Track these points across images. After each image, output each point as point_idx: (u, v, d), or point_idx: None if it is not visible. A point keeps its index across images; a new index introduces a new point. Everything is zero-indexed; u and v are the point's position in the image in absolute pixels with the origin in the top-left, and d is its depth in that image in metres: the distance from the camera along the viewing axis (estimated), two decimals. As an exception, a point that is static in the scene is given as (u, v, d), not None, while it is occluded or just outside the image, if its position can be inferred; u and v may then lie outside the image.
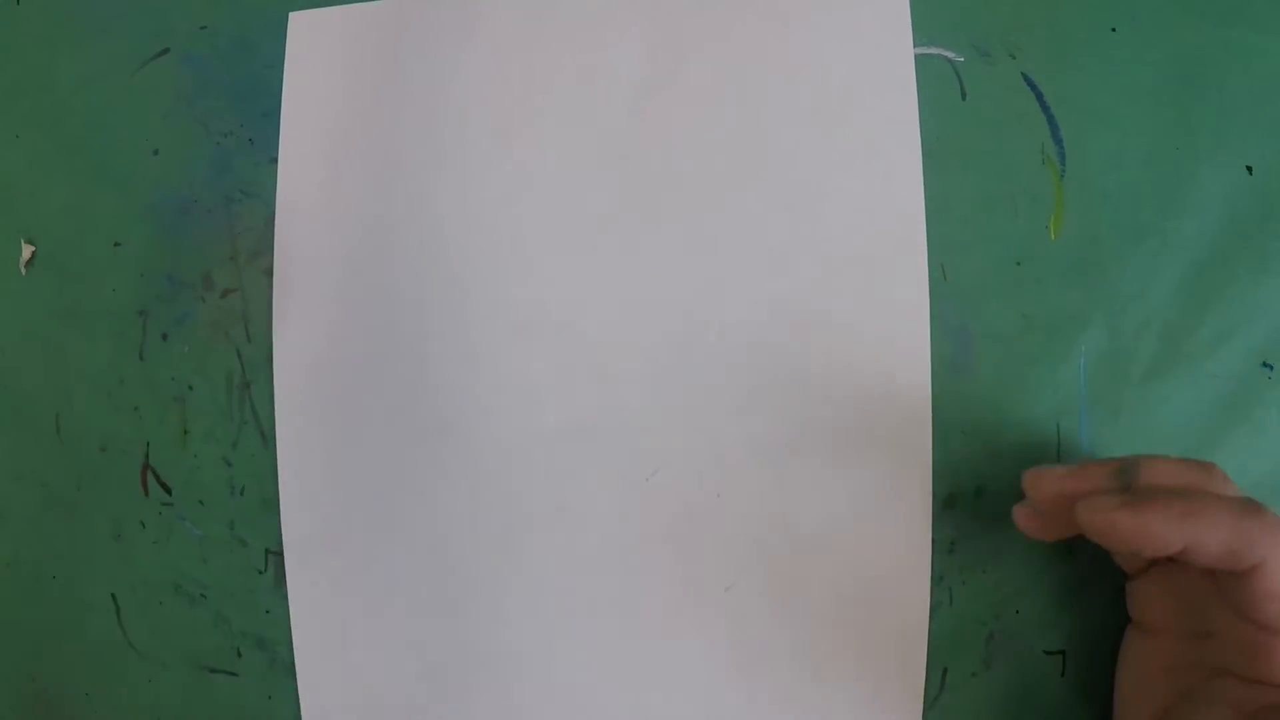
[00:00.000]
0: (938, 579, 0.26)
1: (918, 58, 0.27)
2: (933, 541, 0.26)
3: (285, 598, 0.29)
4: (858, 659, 0.26)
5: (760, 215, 0.27)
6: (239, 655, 0.29)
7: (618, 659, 0.27)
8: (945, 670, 0.26)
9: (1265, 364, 0.26)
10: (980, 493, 0.26)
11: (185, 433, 0.30)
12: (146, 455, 0.30)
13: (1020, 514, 0.23)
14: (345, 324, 0.29)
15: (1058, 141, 0.27)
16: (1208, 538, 0.19)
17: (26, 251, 0.31)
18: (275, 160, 0.29)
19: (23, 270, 0.31)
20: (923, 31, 0.27)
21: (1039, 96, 0.27)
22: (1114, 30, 0.27)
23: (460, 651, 0.28)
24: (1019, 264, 0.26)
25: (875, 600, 0.26)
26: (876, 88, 0.27)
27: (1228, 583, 0.21)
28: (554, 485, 0.27)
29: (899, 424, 0.26)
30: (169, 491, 0.30)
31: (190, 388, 0.30)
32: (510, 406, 0.28)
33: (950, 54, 0.27)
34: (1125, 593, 0.24)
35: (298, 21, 0.29)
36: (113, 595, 0.30)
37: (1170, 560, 0.21)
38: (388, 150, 0.29)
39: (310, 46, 0.29)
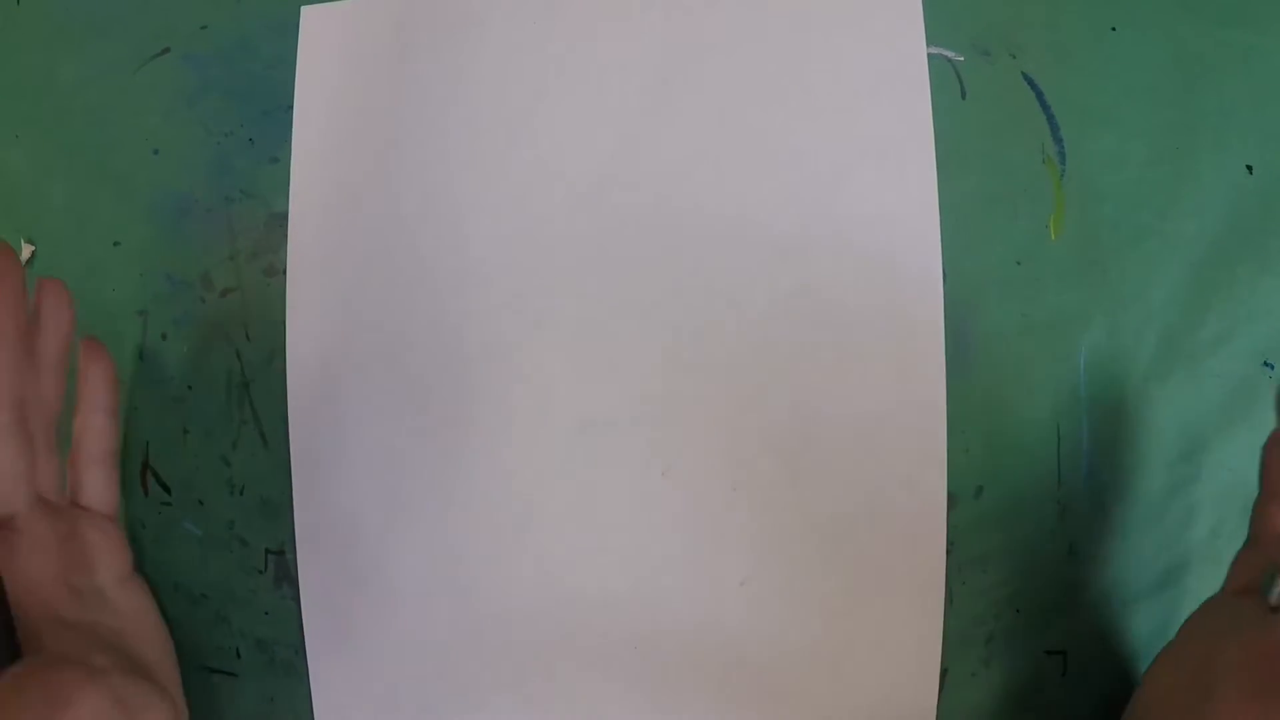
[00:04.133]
0: (938, 579, 0.26)
1: (918, 58, 0.27)
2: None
3: (285, 598, 0.29)
4: (873, 653, 0.26)
5: (775, 210, 0.27)
6: (238, 655, 0.29)
7: (633, 654, 0.27)
8: (945, 670, 0.26)
9: (1266, 364, 0.26)
10: (980, 493, 0.26)
11: (185, 432, 0.30)
12: (146, 455, 0.30)
13: None
14: (358, 318, 0.29)
15: (1058, 141, 0.27)
16: None
17: (26, 251, 0.31)
18: (276, 160, 0.29)
19: (22, 270, 0.31)
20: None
21: (1039, 96, 0.27)
22: (1114, 30, 0.27)
23: (475, 648, 0.28)
24: (1019, 264, 0.26)
25: (890, 594, 0.26)
26: (890, 85, 0.27)
27: None
28: (569, 480, 0.27)
29: (913, 418, 0.26)
30: (169, 491, 0.30)
31: (190, 388, 0.30)
32: (526, 401, 0.28)
33: (950, 53, 0.27)
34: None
35: (310, 15, 0.29)
36: (112, 595, 0.30)
37: None
38: (401, 143, 0.29)
39: (322, 40, 0.29)
